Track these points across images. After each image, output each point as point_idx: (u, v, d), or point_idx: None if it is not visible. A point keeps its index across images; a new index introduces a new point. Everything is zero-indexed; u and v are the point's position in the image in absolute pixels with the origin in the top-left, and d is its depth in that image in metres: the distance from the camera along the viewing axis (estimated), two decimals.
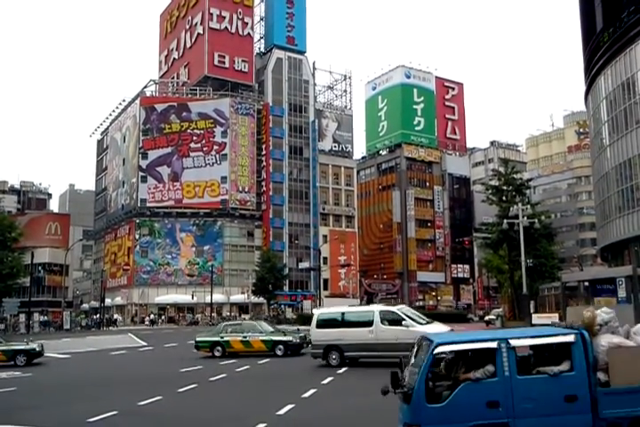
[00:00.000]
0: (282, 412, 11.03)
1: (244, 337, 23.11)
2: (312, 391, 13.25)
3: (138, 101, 79.15)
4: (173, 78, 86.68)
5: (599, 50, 49.53)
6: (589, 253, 79.98)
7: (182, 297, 69.29)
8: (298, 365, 19.92)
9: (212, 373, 17.65)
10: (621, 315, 29.28)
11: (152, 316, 65.26)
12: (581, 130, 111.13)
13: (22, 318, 52.87)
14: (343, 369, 17.33)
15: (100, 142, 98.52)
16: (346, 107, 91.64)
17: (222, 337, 23.44)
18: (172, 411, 11.87)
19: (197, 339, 24.06)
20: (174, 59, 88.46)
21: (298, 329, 29.17)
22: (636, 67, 45.01)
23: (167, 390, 14.40)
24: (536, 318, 37.53)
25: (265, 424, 9.93)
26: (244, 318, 60.14)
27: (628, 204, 46.48)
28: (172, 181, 75.48)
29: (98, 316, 64.29)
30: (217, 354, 23.13)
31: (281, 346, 22.64)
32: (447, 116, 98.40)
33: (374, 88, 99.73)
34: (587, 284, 37.55)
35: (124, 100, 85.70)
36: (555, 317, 36.25)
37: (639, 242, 45.70)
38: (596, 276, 39.10)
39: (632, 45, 45.34)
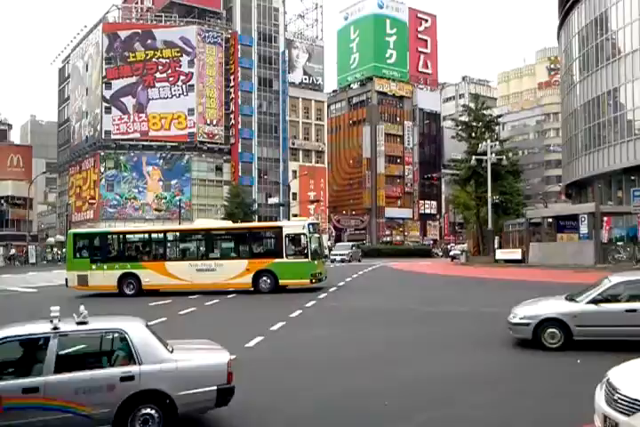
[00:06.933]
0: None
1: None
2: None
3: (100, 28, 75.54)
4: (137, 4, 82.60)
5: None
6: (554, 190, 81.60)
7: None
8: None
9: (181, 307, 17.79)
10: (583, 251, 30.40)
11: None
12: (552, 66, 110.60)
13: None
14: None
15: (61, 71, 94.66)
16: (317, 37, 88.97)
17: None
18: None
19: None
20: None
21: None
22: (610, 2, 44.38)
23: None
24: (500, 254, 38.65)
25: None
26: None
27: (594, 141, 47.03)
28: (137, 112, 73.36)
29: (64, 250, 63.80)
30: None
31: None
32: (419, 49, 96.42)
33: (346, 18, 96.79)
34: (550, 220, 38.61)
35: (85, 26, 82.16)
36: (517, 252, 37.36)
37: (603, 180, 46.66)
38: (559, 212, 40.19)
39: None
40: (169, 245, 23.72)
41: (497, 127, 52.58)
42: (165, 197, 73.53)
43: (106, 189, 73.31)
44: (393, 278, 29.94)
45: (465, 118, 48.53)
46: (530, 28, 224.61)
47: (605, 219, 33.64)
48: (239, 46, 76.81)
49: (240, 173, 76.05)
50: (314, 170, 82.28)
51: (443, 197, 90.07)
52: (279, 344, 11.61)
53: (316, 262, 22.18)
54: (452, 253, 50.75)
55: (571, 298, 10.47)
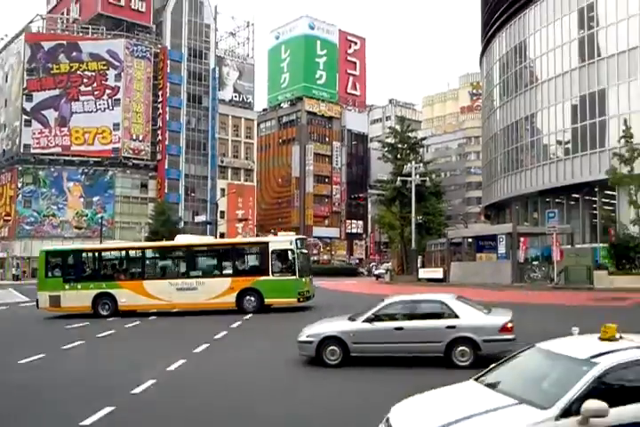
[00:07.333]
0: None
1: None
2: None
3: (22, 37, 72.97)
4: (63, 14, 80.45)
5: (496, 12, 51.19)
6: (474, 211, 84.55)
7: None
8: None
9: (99, 329, 17.21)
10: (501, 270, 31.45)
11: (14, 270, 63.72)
12: (474, 91, 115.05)
13: None
14: None
15: None
16: (248, 55, 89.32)
17: None
18: (56, 369, 11.45)
19: None
20: None
21: None
22: (529, 31, 46.93)
23: (51, 347, 13.89)
24: (423, 273, 39.52)
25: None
26: None
27: (512, 165, 49.21)
28: (59, 125, 71.02)
29: None
30: None
31: None
32: (348, 71, 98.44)
33: (277, 37, 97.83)
34: (470, 240, 39.89)
35: (6, 35, 79.15)
36: (439, 271, 38.33)
37: (520, 201, 48.79)
38: (479, 233, 41.61)
39: (526, 10, 47.16)
40: (147, 262, 22.65)
41: (421, 149, 54.26)
42: (86, 215, 71.14)
43: (23, 205, 70.21)
44: (318, 298, 29.98)
45: (391, 140, 49.74)
46: (454, 53, 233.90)
47: (522, 239, 35.10)
48: (168, 61, 76.04)
49: (166, 190, 74.71)
50: (242, 188, 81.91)
51: (369, 216, 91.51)
52: (201, 368, 11.41)
53: (303, 280, 21.38)
54: (376, 272, 51.47)
55: (352, 318, 11.18)
